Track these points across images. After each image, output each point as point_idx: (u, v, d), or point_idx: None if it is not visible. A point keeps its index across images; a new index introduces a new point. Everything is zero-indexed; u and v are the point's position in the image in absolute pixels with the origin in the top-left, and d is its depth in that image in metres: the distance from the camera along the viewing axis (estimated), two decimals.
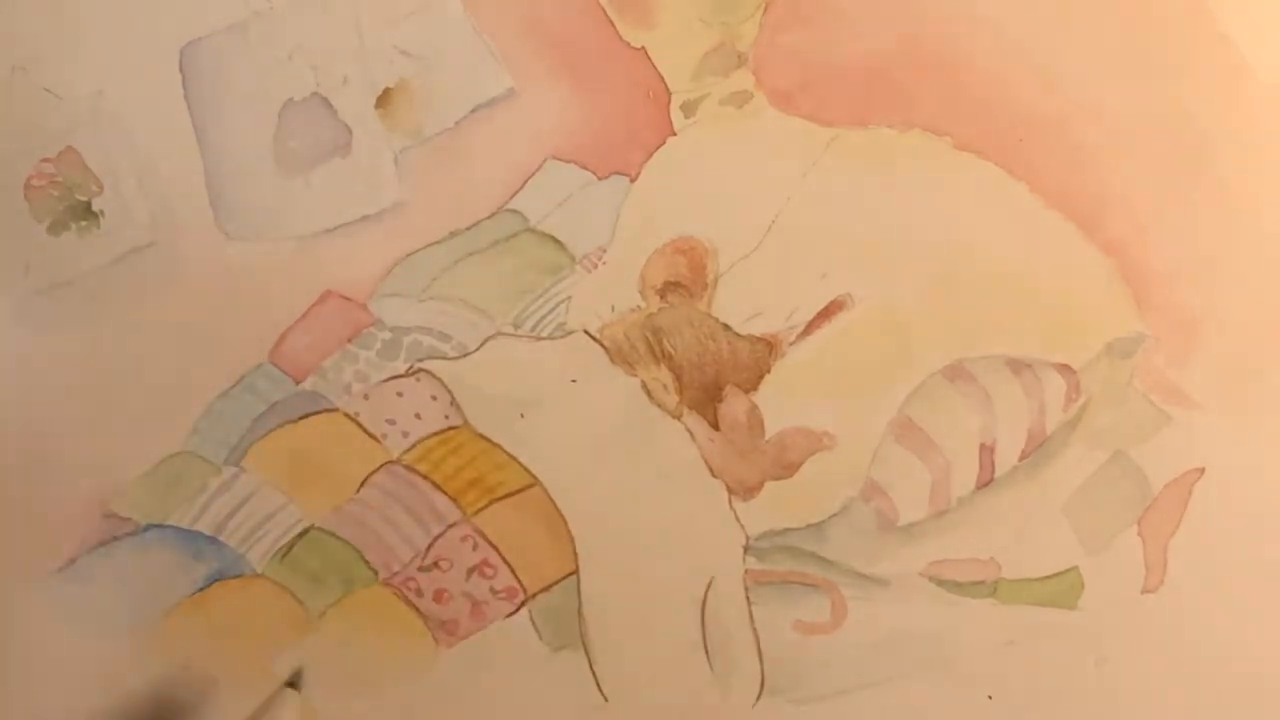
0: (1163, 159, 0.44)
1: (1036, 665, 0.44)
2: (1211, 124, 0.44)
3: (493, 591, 0.44)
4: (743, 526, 0.44)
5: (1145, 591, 0.44)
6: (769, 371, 0.44)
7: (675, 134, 0.44)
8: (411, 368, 0.45)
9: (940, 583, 0.44)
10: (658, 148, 0.44)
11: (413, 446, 0.44)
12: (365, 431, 0.44)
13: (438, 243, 0.44)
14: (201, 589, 0.44)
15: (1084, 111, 0.44)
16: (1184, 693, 0.44)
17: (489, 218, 0.44)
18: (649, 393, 0.44)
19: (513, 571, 0.44)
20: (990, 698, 0.44)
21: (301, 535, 0.44)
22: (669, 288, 0.45)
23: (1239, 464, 0.44)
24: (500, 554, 0.44)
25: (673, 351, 0.44)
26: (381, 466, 0.44)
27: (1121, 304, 0.44)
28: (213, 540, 0.44)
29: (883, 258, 0.44)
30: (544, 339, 0.44)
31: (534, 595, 0.44)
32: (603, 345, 0.45)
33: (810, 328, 0.44)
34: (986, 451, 0.44)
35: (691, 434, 0.44)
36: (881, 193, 0.44)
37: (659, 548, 0.44)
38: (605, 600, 0.44)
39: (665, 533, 0.44)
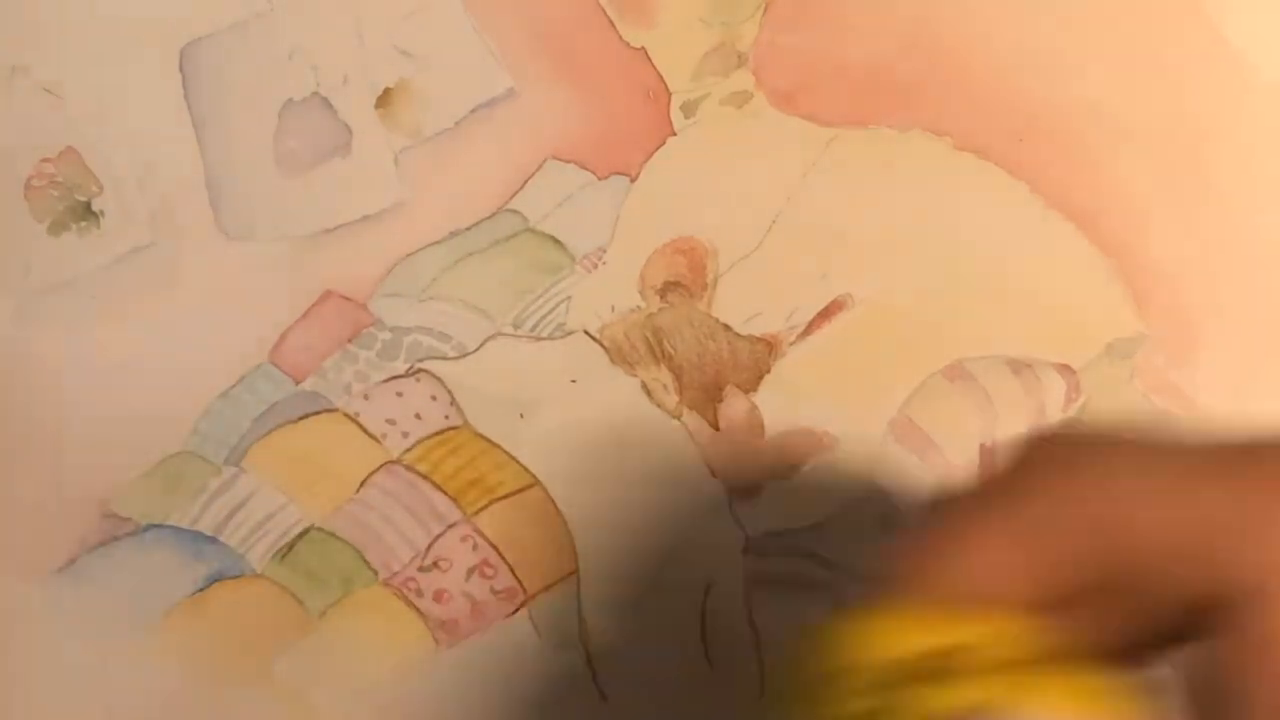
0: (1163, 159, 0.44)
1: None
2: (1211, 124, 0.44)
3: (493, 591, 0.44)
4: (743, 526, 0.44)
5: None
6: (769, 372, 0.44)
7: (675, 134, 0.44)
8: (411, 368, 0.45)
9: None
10: (658, 148, 0.44)
11: (413, 446, 0.44)
12: (365, 432, 0.44)
13: (438, 243, 0.44)
14: (201, 589, 0.44)
15: (1084, 111, 0.44)
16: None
17: (489, 218, 0.44)
18: (649, 393, 0.44)
19: (512, 572, 0.44)
20: None
21: (301, 535, 0.44)
22: (669, 288, 0.45)
23: None
24: (500, 554, 0.44)
25: (673, 352, 0.44)
26: (381, 466, 0.44)
27: (1122, 304, 0.44)
28: (213, 540, 0.44)
29: (883, 258, 0.44)
30: (544, 339, 0.44)
31: (534, 595, 0.44)
32: (603, 345, 0.45)
33: (810, 328, 0.44)
34: (987, 452, 0.44)
35: (691, 434, 0.44)
36: (882, 193, 0.44)
37: (659, 548, 0.44)
38: (605, 600, 0.44)
39: (665, 533, 0.44)
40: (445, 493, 0.44)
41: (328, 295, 0.44)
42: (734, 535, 0.44)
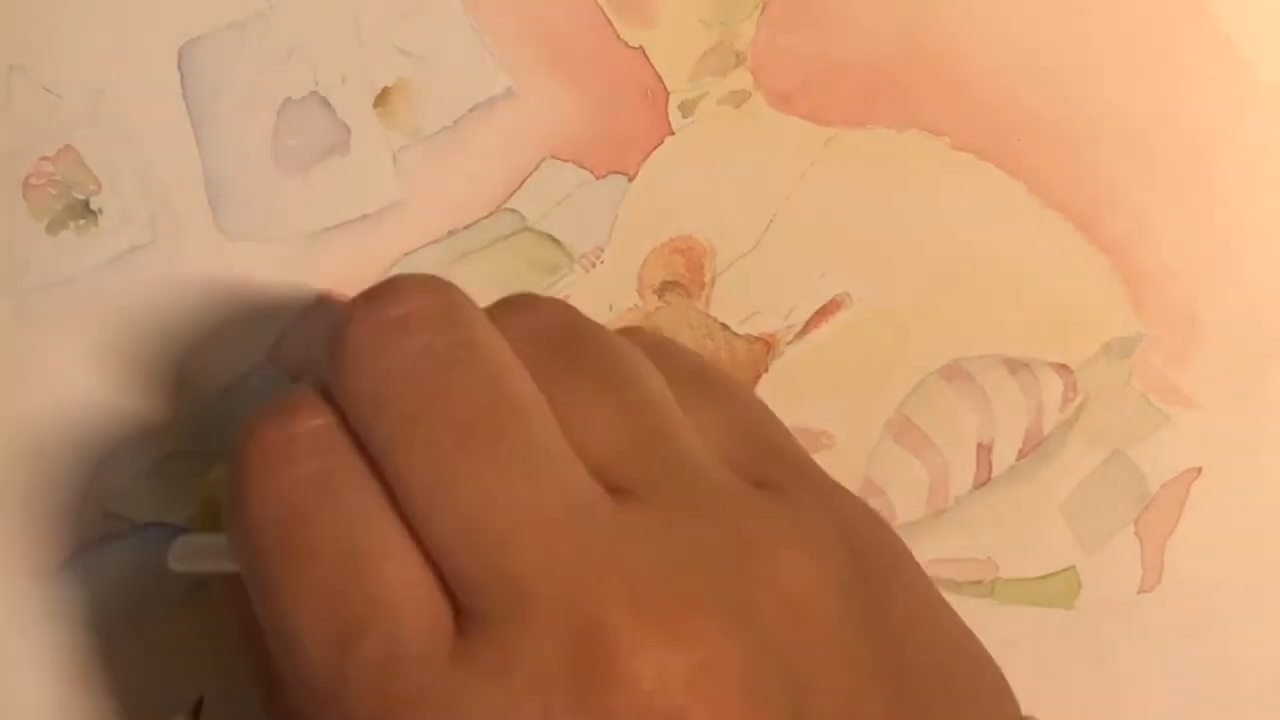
0: (1162, 159, 0.44)
1: (1034, 665, 0.44)
2: (1212, 124, 0.44)
3: None
4: None
5: (1142, 591, 0.44)
6: (766, 371, 0.44)
7: (673, 133, 0.44)
8: None
9: (938, 582, 0.44)
10: (656, 147, 0.44)
11: None
12: None
13: (436, 242, 0.44)
14: (200, 588, 0.44)
15: (1083, 111, 0.44)
16: (1182, 693, 0.44)
17: (487, 217, 0.44)
18: None
19: None
20: None
21: None
22: (666, 287, 0.45)
23: (1237, 464, 0.44)
24: None
25: None
26: None
27: (1119, 303, 0.44)
28: None
29: (881, 257, 0.44)
30: None
31: None
32: None
33: (808, 327, 0.44)
34: (984, 451, 0.44)
35: None
36: (880, 192, 0.44)
37: None
38: None
39: None
40: None
41: (327, 294, 0.44)
42: None
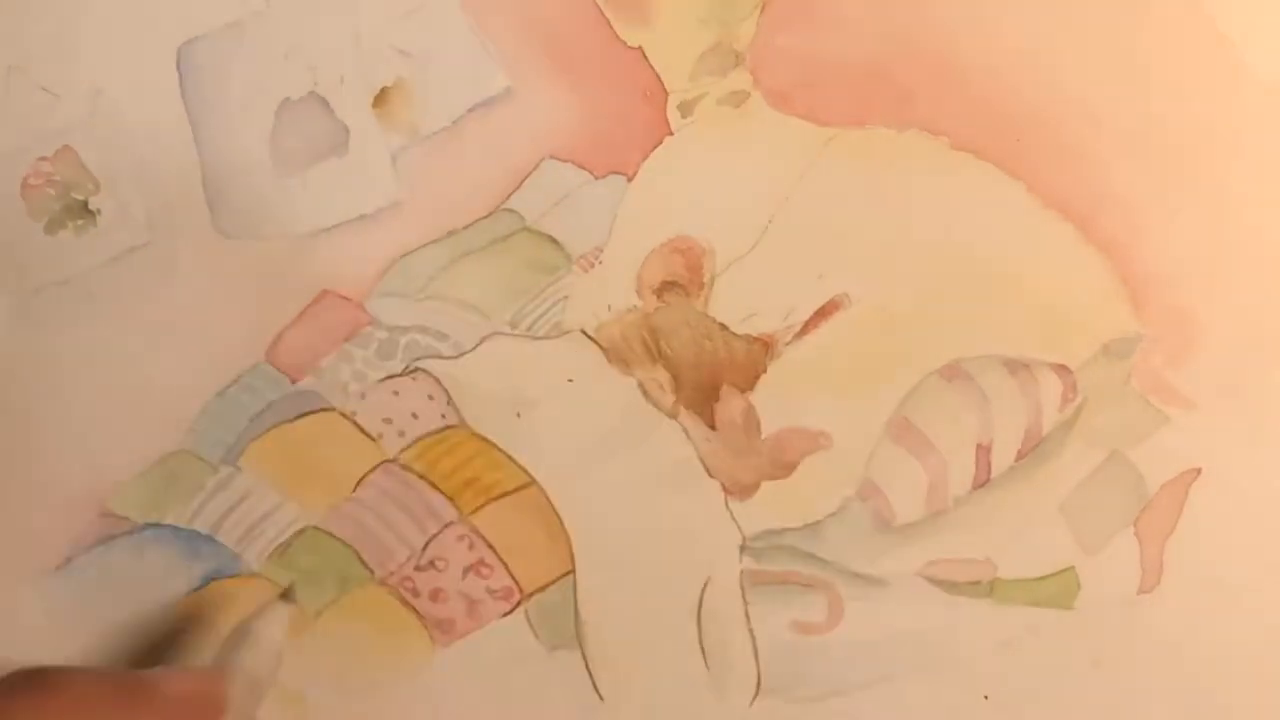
0: (1161, 159, 0.44)
1: (1033, 666, 0.44)
2: (1211, 124, 0.44)
3: (489, 591, 0.44)
4: (739, 526, 0.44)
5: (1142, 592, 0.44)
6: (765, 371, 0.44)
7: (672, 133, 0.44)
8: (408, 367, 0.45)
9: (937, 583, 0.44)
10: (655, 147, 0.44)
11: (409, 446, 0.44)
12: (362, 431, 0.44)
13: (435, 242, 0.44)
14: (198, 588, 0.44)
15: (1082, 111, 0.44)
16: (1181, 693, 0.44)
17: (486, 217, 0.45)
18: (645, 392, 0.44)
19: (509, 571, 0.44)
20: (986, 698, 0.44)
21: (298, 534, 0.44)
22: (666, 287, 0.45)
23: (1236, 465, 0.44)
24: (497, 553, 0.44)
25: (669, 351, 0.44)
26: (378, 466, 0.44)
27: (1119, 304, 0.44)
28: (209, 539, 0.44)
29: (880, 258, 0.44)
30: (541, 338, 0.45)
31: (530, 595, 0.44)
32: (599, 345, 0.45)
33: (807, 327, 0.44)
34: (983, 451, 0.44)
35: (688, 434, 0.44)
36: (879, 193, 0.44)
37: (655, 547, 0.44)
38: (601, 600, 0.44)
39: (662, 532, 0.44)
40: (442, 492, 0.44)
41: (325, 294, 0.44)
42: (730, 534, 0.44)
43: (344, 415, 0.44)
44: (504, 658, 0.44)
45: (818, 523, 0.44)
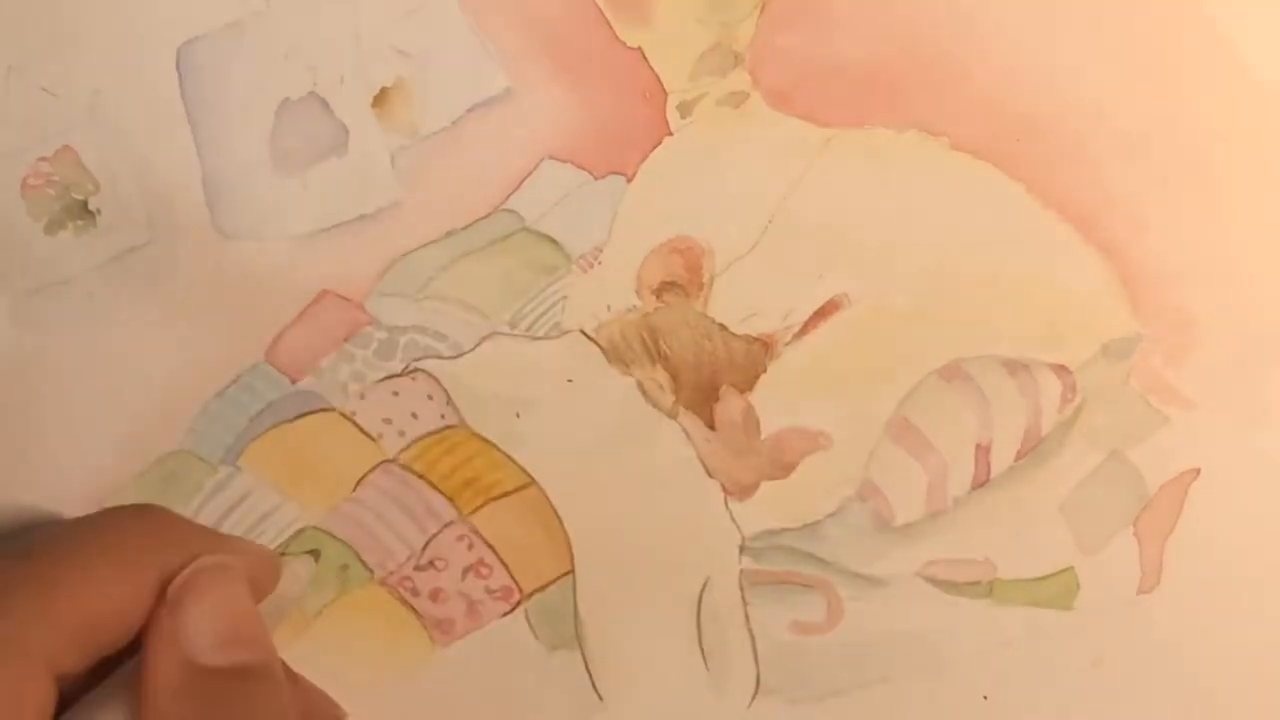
0: (1161, 159, 0.44)
1: (1032, 666, 0.44)
2: (1211, 124, 0.44)
3: (488, 591, 0.44)
4: (738, 526, 0.44)
5: (1141, 592, 0.44)
6: (765, 371, 0.44)
7: (672, 134, 0.44)
8: (408, 367, 0.45)
9: (936, 583, 0.44)
10: (654, 148, 0.44)
11: (409, 446, 0.44)
12: (361, 431, 0.44)
13: (434, 242, 0.44)
14: None
15: (1082, 112, 0.44)
16: (1180, 694, 0.44)
17: (485, 217, 0.44)
18: (645, 393, 0.44)
19: (509, 571, 0.44)
20: (986, 698, 0.44)
21: (298, 535, 0.44)
22: (665, 288, 0.45)
23: (1236, 465, 0.44)
24: (496, 553, 0.44)
25: (669, 351, 0.44)
26: (378, 466, 0.44)
27: (1118, 304, 0.44)
28: None
29: (879, 258, 0.44)
30: (540, 339, 0.45)
31: (530, 595, 0.44)
32: (599, 345, 0.45)
33: (806, 328, 0.44)
34: (982, 452, 0.44)
35: (687, 434, 0.44)
36: (878, 193, 0.44)
37: (655, 548, 0.44)
38: (601, 600, 0.44)
39: (661, 533, 0.44)
40: (441, 492, 0.44)
41: (324, 294, 0.44)
42: (730, 535, 0.44)
43: (344, 415, 0.44)
44: (504, 658, 0.45)
45: (817, 523, 0.44)
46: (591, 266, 0.44)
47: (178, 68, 0.44)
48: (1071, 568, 0.44)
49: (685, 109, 0.44)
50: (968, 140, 0.44)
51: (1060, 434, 0.44)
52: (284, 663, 0.35)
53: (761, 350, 0.44)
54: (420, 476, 0.44)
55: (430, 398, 0.44)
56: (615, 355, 0.44)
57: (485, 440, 0.44)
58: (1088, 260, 0.44)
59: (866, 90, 0.44)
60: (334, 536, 0.44)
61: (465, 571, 0.44)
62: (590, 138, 0.44)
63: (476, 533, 0.44)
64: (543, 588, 0.44)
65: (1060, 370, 0.44)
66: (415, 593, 0.44)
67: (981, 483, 0.44)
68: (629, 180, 0.44)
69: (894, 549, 0.44)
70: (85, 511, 0.44)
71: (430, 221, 0.44)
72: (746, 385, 0.44)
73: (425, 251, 0.44)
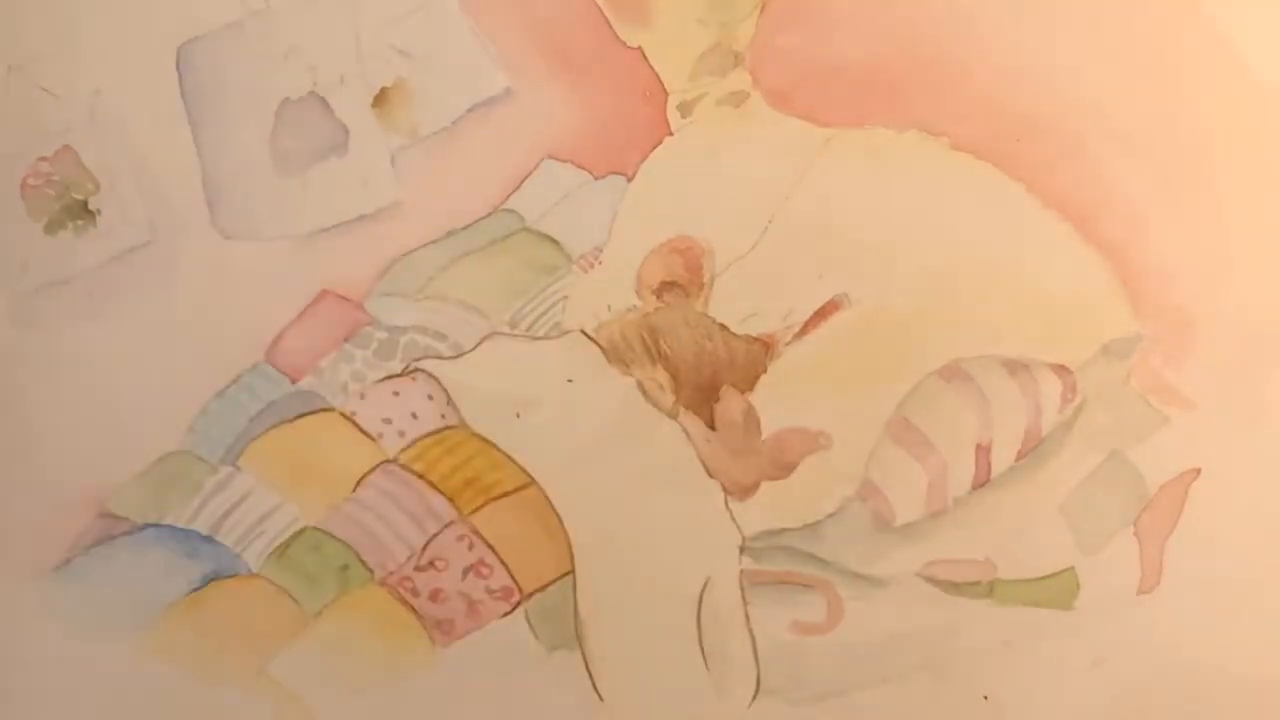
0: (1161, 159, 0.44)
1: (1032, 665, 0.44)
2: (1210, 124, 0.44)
3: (488, 591, 0.44)
4: (739, 527, 0.44)
5: (1141, 592, 0.44)
6: (765, 372, 0.44)
7: (672, 134, 0.44)
8: (408, 367, 0.45)
9: (936, 583, 0.44)
10: (654, 147, 0.44)
11: (409, 446, 0.44)
12: (361, 431, 0.44)
13: (434, 242, 0.44)
14: (198, 588, 0.44)
15: (1082, 112, 0.44)
16: (1179, 693, 0.44)
17: (486, 217, 0.44)
18: (645, 392, 0.44)
19: (509, 571, 0.44)
20: (986, 698, 0.44)
21: (298, 535, 0.44)
22: (665, 287, 0.45)
23: (1235, 465, 0.44)
24: (496, 554, 0.44)
25: (669, 351, 0.44)
26: (378, 466, 0.44)
27: (1118, 305, 0.44)
28: (209, 540, 0.44)
29: (879, 258, 0.44)
30: (540, 339, 0.45)
31: (530, 595, 0.44)
32: (599, 345, 0.45)
33: (807, 328, 0.44)
34: (983, 452, 0.44)
35: (688, 434, 0.44)
36: (878, 193, 0.44)
37: (655, 548, 0.44)
38: (601, 600, 0.44)
39: (661, 533, 0.44)
40: (441, 492, 0.44)
41: (324, 294, 0.44)
42: (730, 535, 0.44)
43: (344, 415, 0.44)
44: (504, 658, 0.45)
45: (817, 523, 0.44)
46: (592, 266, 0.44)
47: (178, 68, 0.44)
48: (1071, 568, 0.44)
49: (685, 109, 0.44)
50: (968, 140, 0.44)
51: (1060, 434, 0.44)
52: None
53: (762, 350, 0.44)
54: (420, 476, 0.44)
55: (430, 398, 0.44)
56: (615, 355, 0.44)
57: (485, 440, 0.44)
58: (1088, 260, 0.44)
59: (866, 90, 0.44)
60: (334, 536, 0.44)
61: (465, 572, 0.44)
62: (590, 138, 0.44)
63: (476, 533, 0.44)
64: (543, 588, 0.44)
65: (1060, 370, 0.44)
66: (415, 593, 0.44)
67: (981, 483, 0.44)
68: (629, 180, 0.44)
69: (894, 549, 0.44)
70: (85, 511, 0.44)
71: (430, 221, 0.44)
72: (746, 385, 0.44)
73: (425, 251, 0.44)
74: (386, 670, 0.45)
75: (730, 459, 0.44)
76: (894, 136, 0.44)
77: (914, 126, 0.44)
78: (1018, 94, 0.44)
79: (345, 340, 0.44)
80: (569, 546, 0.44)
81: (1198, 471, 0.44)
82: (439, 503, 0.44)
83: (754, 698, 0.44)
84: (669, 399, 0.44)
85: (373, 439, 0.44)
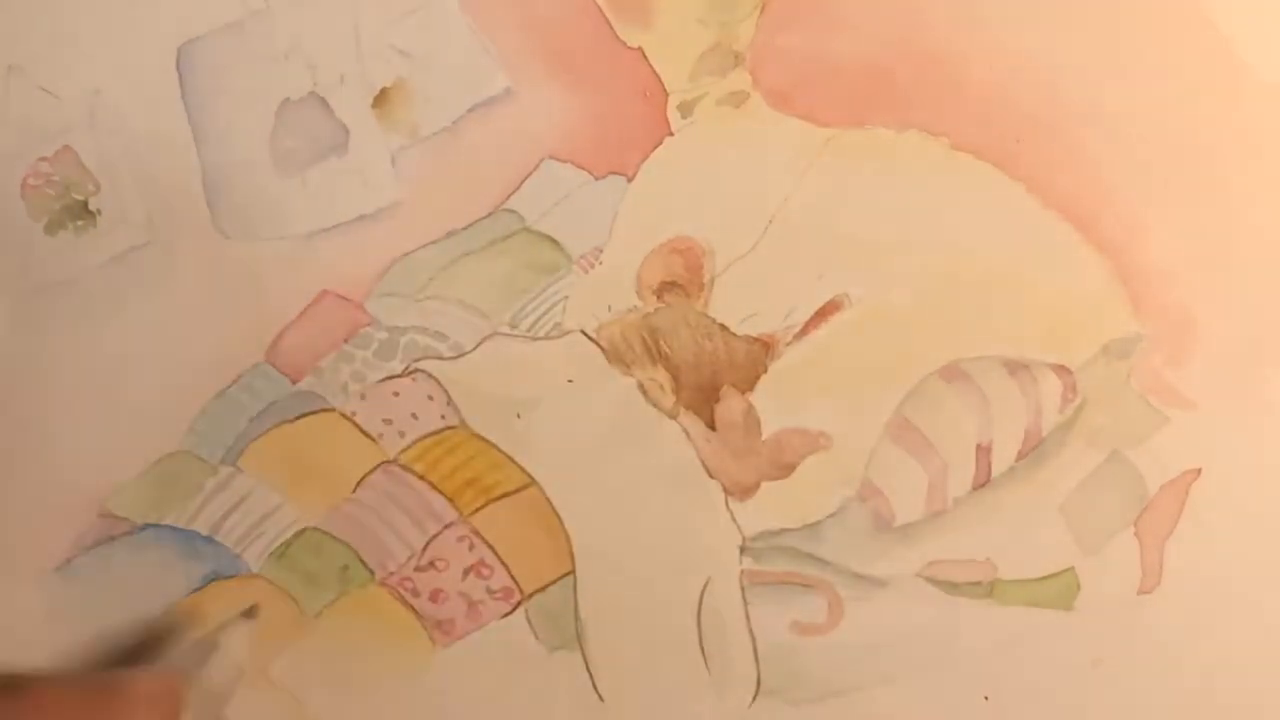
0: (1161, 159, 0.44)
1: (1033, 666, 0.44)
2: (1211, 124, 0.44)
3: (489, 591, 0.44)
4: (739, 527, 0.44)
5: (1141, 592, 0.44)
6: (765, 372, 0.44)
7: (672, 134, 0.44)
8: (408, 367, 0.45)
9: (937, 583, 0.44)
10: (655, 148, 0.44)
11: (409, 446, 0.44)
12: (362, 431, 0.44)
13: (434, 242, 0.44)
14: (197, 588, 0.44)
15: (1082, 112, 0.44)
16: (1181, 693, 0.44)
17: (486, 217, 0.44)
18: (645, 393, 0.44)
19: (509, 571, 0.44)
20: (987, 698, 0.44)
21: (298, 535, 0.44)
22: (666, 288, 0.45)
23: (1236, 465, 0.44)
24: (497, 554, 0.44)
25: (669, 352, 0.44)
26: (378, 466, 0.44)
27: (1118, 304, 0.44)
28: (209, 540, 0.44)
29: (880, 258, 0.44)
30: (541, 339, 0.45)
31: (530, 595, 0.44)
32: (599, 345, 0.45)
33: (807, 328, 0.44)
34: (983, 452, 0.44)
35: (688, 434, 0.44)
36: (878, 193, 0.44)
37: (655, 548, 0.44)
38: (601, 600, 0.44)
39: (661, 533, 0.44)
40: (442, 492, 0.44)
41: (324, 295, 0.44)
42: (730, 535, 0.44)
43: (344, 416, 0.44)
44: (504, 658, 0.45)
45: (817, 523, 0.44)
46: (592, 266, 0.44)
47: (178, 68, 0.44)
48: (1071, 568, 0.44)
49: (686, 109, 0.44)
50: (968, 140, 0.44)
51: (1060, 434, 0.44)
52: None
53: (762, 350, 0.44)
54: (420, 477, 0.44)
55: (430, 398, 0.44)
56: (616, 355, 0.44)
57: (485, 441, 0.44)
58: (1088, 260, 0.44)
59: (867, 90, 0.44)
60: (334, 537, 0.44)
61: (465, 572, 0.44)
62: (590, 138, 0.44)
63: (477, 533, 0.44)
64: (543, 588, 0.44)
65: (1061, 370, 0.44)
66: (415, 593, 0.44)
67: (982, 483, 0.44)
68: (629, 180, 0.44)
69: (894, 549, 0.44)
70: (84, 512, 0.44)
71: (430, 221, 0.44)
72: (747, 385, 0.44)
73: (425, 252, 0.44)
74: (386, 670, 0.45)
75: (730, 459, 0.44)
76: (894, 136, 0.44)
77: (914, 126, 0.44)
78: (1018, 94, 0.44)
79: (345, 340, 0.44)
80: (569, 547, 0.44)
81: (1198, 471, 0.44)
82: (439, 503, 0.44)
83: (754, 697, 0.44)
84: (669, 399, 0.44)
85: (373, 439, 0.44)
